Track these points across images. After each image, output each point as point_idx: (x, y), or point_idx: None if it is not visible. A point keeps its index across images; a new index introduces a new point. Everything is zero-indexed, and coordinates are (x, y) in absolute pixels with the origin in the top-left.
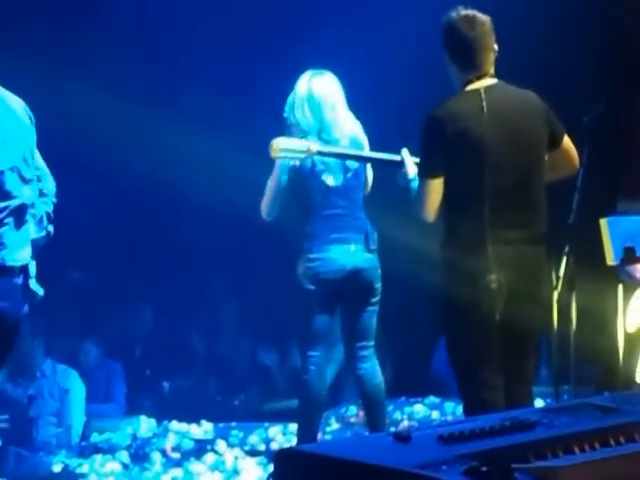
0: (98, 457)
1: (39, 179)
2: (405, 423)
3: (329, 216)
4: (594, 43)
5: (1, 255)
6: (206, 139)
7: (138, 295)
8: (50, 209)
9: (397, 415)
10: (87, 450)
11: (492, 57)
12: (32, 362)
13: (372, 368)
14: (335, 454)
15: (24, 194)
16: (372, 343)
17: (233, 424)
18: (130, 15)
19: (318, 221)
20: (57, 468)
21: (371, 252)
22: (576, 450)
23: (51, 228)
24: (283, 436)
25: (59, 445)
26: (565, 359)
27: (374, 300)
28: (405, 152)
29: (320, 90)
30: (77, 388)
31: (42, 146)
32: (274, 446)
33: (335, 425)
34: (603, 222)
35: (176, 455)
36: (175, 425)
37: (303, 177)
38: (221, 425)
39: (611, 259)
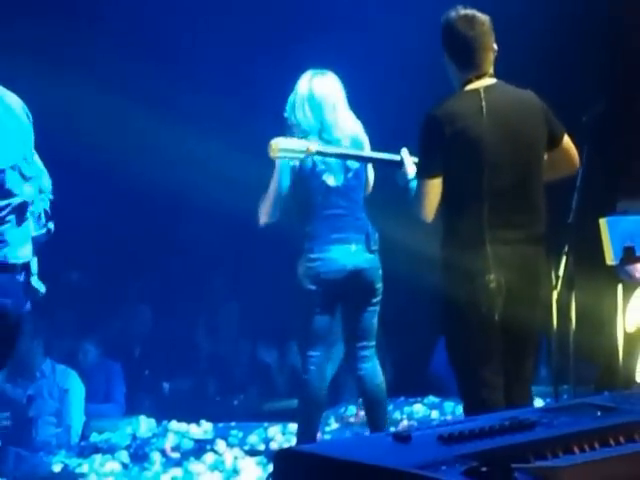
0: (98, 457)
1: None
2: (405, 423)
3: (330, 216)
4: (594, 42)
5: (3, 253)
6: (206, 139)
7: (137, 295)
8: (47, 206)
9: (397, 415)
10: (87, 450)
11: (491, 57)
12: (31, 362)
13: (373, 368)
14: (335, 454)
15: (25, 192)
16: (373, 343)
17: (232, 424)
18: (130, 15)
19: (319, 221)
20: (57, 468)
21: (372, 252)
22: (576, 450)
23: (51, 225)
24: (282, 436)
25: (59, 445)
26: (564, 359)
27: (375, 300)
28: (405, 152)
29: (321, 90)
30: (76, 388)
31: (42, 146)
32: (273, 446)
33: (334, 425)
34: (603, 222)
35: (176, 455)
36: (174, 425)
37: (304, 177)
38: (220, 425)
39: (611, 259)
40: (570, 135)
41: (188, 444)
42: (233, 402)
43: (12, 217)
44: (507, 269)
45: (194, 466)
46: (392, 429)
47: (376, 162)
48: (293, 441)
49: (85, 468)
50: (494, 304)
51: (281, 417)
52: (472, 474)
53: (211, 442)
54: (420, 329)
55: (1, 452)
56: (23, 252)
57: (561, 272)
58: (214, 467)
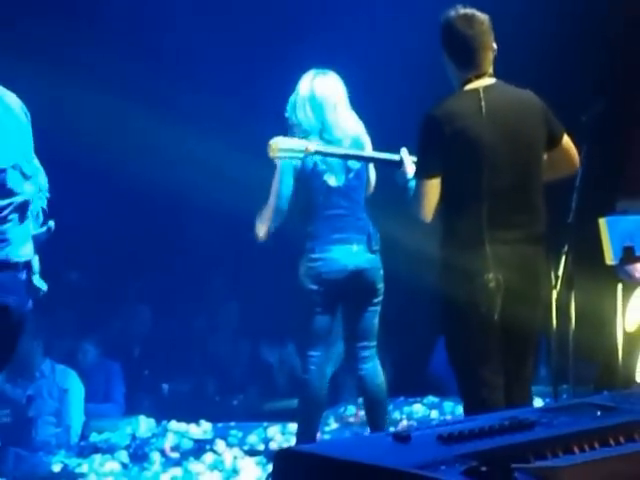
0: (97, 457)
1: None
2: (404, 423)
3: (331, 216)
4: (593, 42)
5: (6, 251)
6: (206, 139)
7: (137, 295)
8: (45, 204)
9: (396, 415)
10: (86, 450)
11: (491, 56)
12: (31, 362)
13: (374, 368)
14: (334, 454)
15: (26, 190)
16: (374, 343)
17: (232, 424)
18: (130, 15)
19: (320, 221)
20: (56, 468)
21: (373, 253)
22: (576, 450)
23: (52, 224)
24: (282, 436)
25: (58, 445)
26: (564, 358)
27: (376, 300)
28: (404, 151)
29: (322, 90)
30: (76, 388)
31: (42, 145)
32: (273, 446)
33: (334, 425)
34: (602, 221)
35: (175, 455)
36: (174, 425)
37: (305, 177)
38: (220, 425)
39: (610, 258)
40: (570, 135)
41: (188, 444)
42: (232, 402)
43: (14, 216)
44: (506, 269)
45: (194, 466)
46: (391, 429)
47: (375, 162)
48: (292, 441)
49: (85, 468)
50: (493, 304)
51: (281, 417)
52: (472, 474)
53: (210, 442)
54: (419, 329)
55: (1, 452)
56: (25, 250)
57: (561, 272)
58: (213, 467)
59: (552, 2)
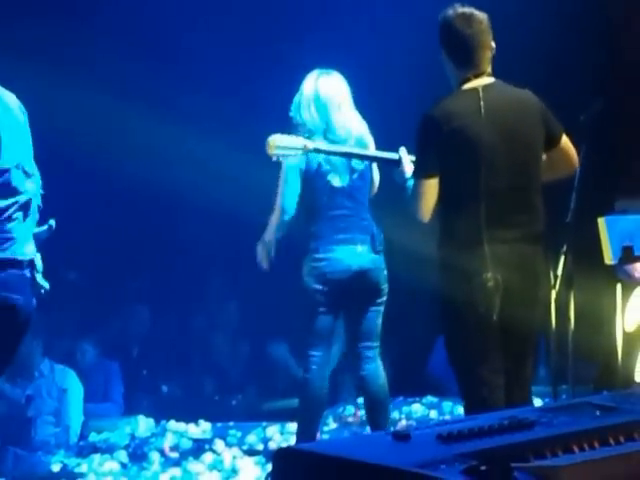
0: (96, 457)
1: None
2: (403, 422)
3: (335, 217)
4: (592, 42)
5: (12, 250)
6: (206, 139)
7: (136, 295)
8: (40, 202)
9: (395, 414)
10: (85, 450)
11: (489, 55)
12: (30, 362)
13: (376, 369)
14: (334, 453)
15: (28, 189)
16: (377, 344)
17: (231, 424)
18: (130, 15)
19: (324, 222)
20: (55, 468)
21: (377, 253)
22: (575, 449)
23: (52, 222)
24: (281, 435)
25: (57, 445)
26: (563, 358)
27: (380, 301)
28: (403, 150)
29: (326, 90)
30: (75, 388)
31: (41, 145)
32: (272, 445)
33: (333, 425)
34: (601, 221)
35: (174, 455)
36: (173, 425)
37: (309, 178)
38: (219, 425)
39: (609, 258)
40: (568, 134)
41: (187, 444)
42: (231, 402)
43: (19, 214)
44: (505, 268)
45: (193, 466)
46: (391, 429)
47: (374, 160)
48: (291, 441)
49: (84, 468)
50: (492, 303)
51: (280, 417)
52: (471, 473)
53: (210, 442)
54: (418, 329)
55: (0, 452)
56: (29, 249)
57: (560, 271)
58: (213, 467)
59: (551, 1)
